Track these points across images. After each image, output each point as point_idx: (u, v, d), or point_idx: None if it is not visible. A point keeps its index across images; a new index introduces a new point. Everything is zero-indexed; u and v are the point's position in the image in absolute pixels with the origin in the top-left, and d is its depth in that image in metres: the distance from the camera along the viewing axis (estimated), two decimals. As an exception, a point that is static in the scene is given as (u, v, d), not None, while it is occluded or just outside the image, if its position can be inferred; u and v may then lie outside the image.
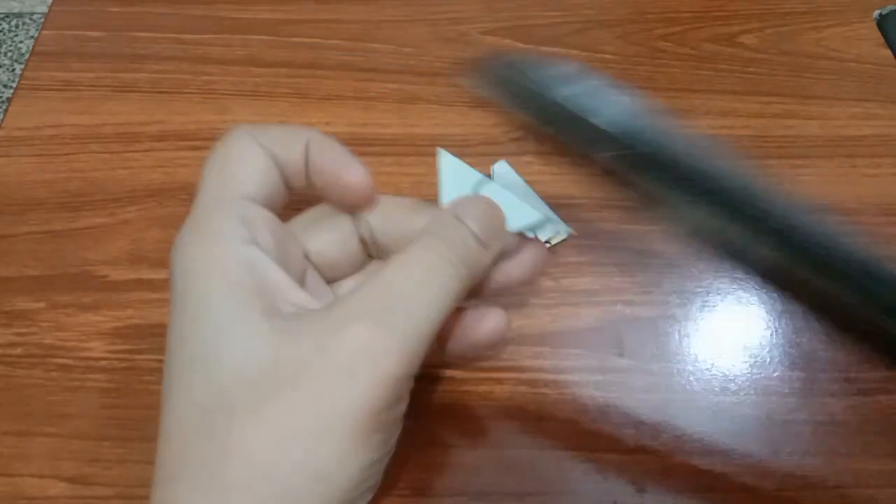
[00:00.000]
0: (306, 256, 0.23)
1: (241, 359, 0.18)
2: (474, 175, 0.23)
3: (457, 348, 0.22)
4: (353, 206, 0.23)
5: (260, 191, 0.21)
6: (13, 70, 1.17)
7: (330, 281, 0.24)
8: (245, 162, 0.21)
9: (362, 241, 0.24)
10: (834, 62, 0.36)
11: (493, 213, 0.21)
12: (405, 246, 0.20)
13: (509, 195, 0.22)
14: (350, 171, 0.22)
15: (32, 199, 0.31)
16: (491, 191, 0.22)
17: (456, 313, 0.22)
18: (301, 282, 0.22)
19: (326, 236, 0.23)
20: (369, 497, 0.20)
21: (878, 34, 0.38)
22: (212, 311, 0.18)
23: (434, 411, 0.26)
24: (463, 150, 0.32)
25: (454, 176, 0.23)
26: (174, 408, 0.18)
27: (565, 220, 0.30)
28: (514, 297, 0.28)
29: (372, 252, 0.24)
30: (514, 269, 0.22)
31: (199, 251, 0.19)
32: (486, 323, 0.22)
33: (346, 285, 0.24)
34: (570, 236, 0.25)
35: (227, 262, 0.19)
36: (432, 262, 0.19)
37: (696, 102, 0.35)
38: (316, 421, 0.17)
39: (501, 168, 0.25)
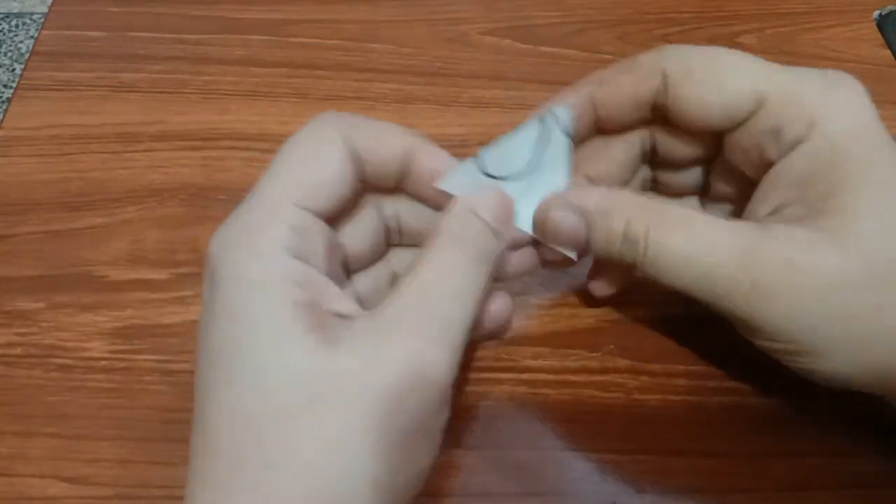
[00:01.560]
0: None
1: (290, 371, 0.18)
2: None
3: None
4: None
5: (324, 201, 0.20)
6: (13, 70, 1.17)
7: (349, 273, 0.24)
8: (317, 167, 0.20)
9: (386, 230, 0.24)
10: (834, 62, 0.36)
11: (504, 203, 0.22)
12: (429, 245, 0.20)
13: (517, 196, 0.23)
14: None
15: (32, 199, 0.31)
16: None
17: None
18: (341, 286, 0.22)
19: (353, 230, 0.23)
20: (415, 496, 0.20)
21: (878, 34, 0.38)
22: (261, 326, 0.18)
23: (434, 411, 0.26)
24: (462, 149, 0.32)
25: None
26: (216, 413, 0.18)
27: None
28: (514, 297, 0.28)
29: (394, 239, 0.24)
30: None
31: (248, 260, 0.19)
32: (494, 306, 0.23)
33: (359, 278, 0.24)
34: None
35: (278, 275, 0.19)
36: (462, 265, 0.20)
37: (696, 102, 0.35)
38: (369, 430, 0.17)
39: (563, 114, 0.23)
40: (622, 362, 0.27)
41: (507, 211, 0.22)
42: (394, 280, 0.24)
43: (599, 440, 0.25)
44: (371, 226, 0.23)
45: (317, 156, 0.21)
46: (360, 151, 0.21)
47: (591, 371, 0.27)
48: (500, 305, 0.23)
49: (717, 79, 0.22)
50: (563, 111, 0.22)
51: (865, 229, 0.20)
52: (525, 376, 0.27)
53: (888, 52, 0.37)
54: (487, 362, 0.27)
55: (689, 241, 0.21)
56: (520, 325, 0.28)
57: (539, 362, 0.27)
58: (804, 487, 0.25)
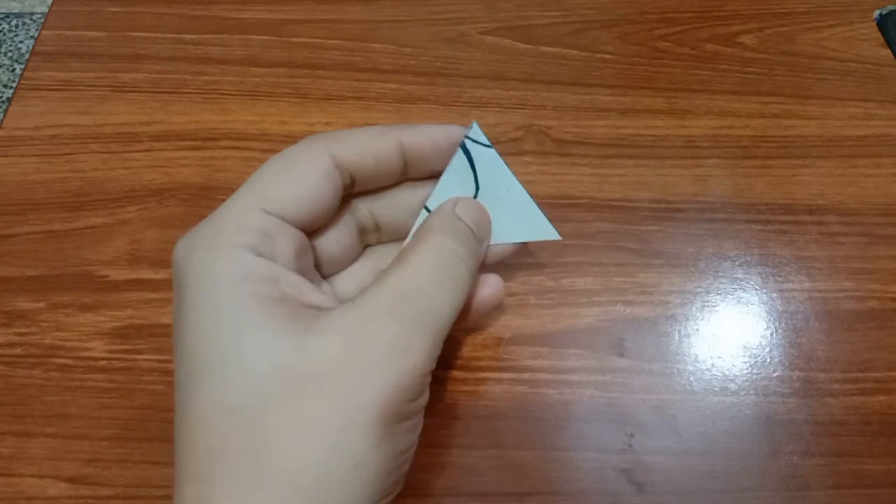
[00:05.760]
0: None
1: (267, 359, 0.18)
2: (487, 174, 0.24)
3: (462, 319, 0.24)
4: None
5: (296, 212, 0.21)
6: (13, 70, 1.17)
7: (325, 276, 0.24)
8: (293, 180, 0.21)
9: (361, 230, 0.24)
10: (834, 62, 0.36)
11: (484, 214, 0.23)
12: (416, 240, 0.21)
13: (507, 205, 0.24)
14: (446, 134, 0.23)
15: (32, 199, 0.31)
16: (492, 196, 0.24)
17: None
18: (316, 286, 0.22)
19: (329, 234, 0.23)
20: (400, 486, 0.20)
21: (878, 34, 0.38)
22: (232, 319, 0.18)
23: (434, 411, 0.26)
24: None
25: (463, 171, 0.24)
26: (196, 409, 0.18)
27: (563, 219, 0.30)
28: (513, 297, 0.28)
29: (371, 238, 0.25)
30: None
31: (213, 260, 0.19)
32: (485, 288, 0.24)
33: (342, 280, 0.24)
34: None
35: (243, 272, 0.19)
36: (448, 261, 0.21)
37: (696, 102, 0.35)
38: (350, 411, 0.18)
39: (490, 156, 0.24)
40: (622, 362, 0.27)
41: (484, 217, 0.23)
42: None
43: (599, 440, 0.25)
44: (346, 228, 0.24)
45: (295, 170, 0.21)
46: (348, 164, 0.22)
47: (590, 371, 0.27)
48: (491, 286, 0.24)
49: None
50: (474, 129, 0.23)
51: None
52: (525, 376, 0.27)
53: (888, 51, 0.37)
54: (487, 362, 0.27)
55: None
56: (519, 324, 0.28)
57: (539, 362, 0.27)
58: (804, 487, 0.25)
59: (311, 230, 0.22)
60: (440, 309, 0.20)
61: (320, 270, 0.24)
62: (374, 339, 0.18)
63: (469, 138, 0.23)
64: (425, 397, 0.20)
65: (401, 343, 0.19)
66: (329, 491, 0.17)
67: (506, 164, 0.24)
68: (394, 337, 0.19)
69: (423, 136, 0.23)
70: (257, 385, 0.18)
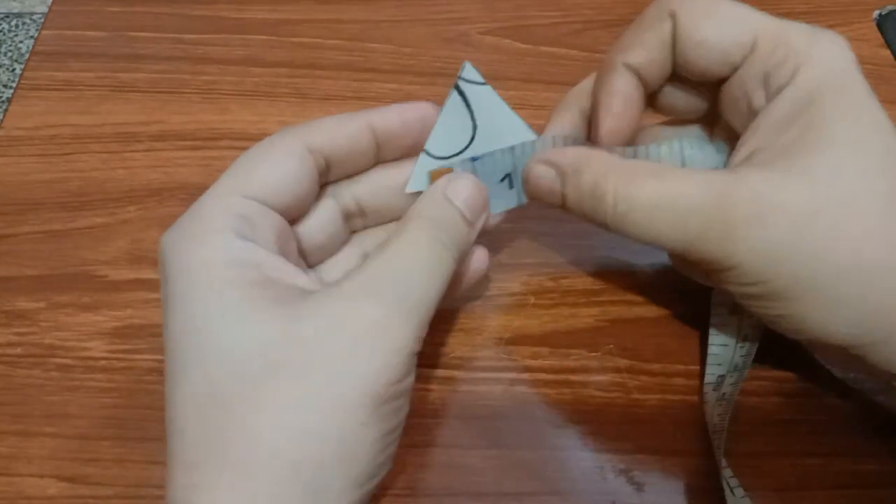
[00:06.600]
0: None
1: (251, 343, 0.18)
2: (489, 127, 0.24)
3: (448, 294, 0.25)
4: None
5: (276, 196, 0.21)
6: (13, 70, 1.17)
7: (311, 265, 0.25)
8: (270, 166, 0.21)
9: (346, 216, 0.25)
10: (834, 62, 0.36)
11: (479, 194, 0.23)
12: (402, 225, 0.21)
13: (507, 142, 0.24)
14: (412, 113, 0.23)
15: (32, 199, 0.31)
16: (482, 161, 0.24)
17: None
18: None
19: (312, 222, 0.24)
20: (388, 467, 0.20)
21: (878, 34, 0.38)
22: (216, 305, 0.19)
23: (434, 411, 0.26)
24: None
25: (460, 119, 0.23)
26: (184, 398, 0.18)
27: (562, 219, 0.30)
28: (513, 297, 0.28)
29: (357, 224, 0.25)
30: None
31: (195, 248, 0.19)
32: (471, 262, 0.24)
33: (329, 267, 0.25)
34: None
35: (226, 256, 0.19)
36: (430, 247, 0.21)
37: (696, 102, 0.35)
38: (336, 392, 0.18)
39: (486, 93, 0.24)
40: (622, 362, 0.27)
41: (480, 198, 0.23)
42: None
43: (599, 440, 0.25)
44: (330, 215, 0.24)
45: (271, 157, 0.21)
46: (321, 148, 0.22)
47: (590, 371, 0.27)
48: (477, 261, 0.24)
49: (717, 21, 0.22)
50: (467, 68, 0.23)
51: (837, 162, 0.19)
52: (525, 376, 0.27)
53: (888, 52, 0.37)
54: (487, 362, 0.27)
55: (660, 189, 0.21)
56: (519, 324, 0.28)
57: (539, 362, 0.27)
58: (804, 487, 0.25)
59: (292, 216, 0.23)
60: (422, 292, 0.20)
61: (306, 260, 0.24)
62: (357, 321, 0.19)
63: (463, 79, 0.23)
64: (411, 379, 0.20)
65: (383, 325, 0.19)
66: (314, 474, 0.18)
67: (502, 99, 0.24)
68: (376, 319, 0.19)
69: (392, 115, 0.23)
70: (241, 370, 0.18)
